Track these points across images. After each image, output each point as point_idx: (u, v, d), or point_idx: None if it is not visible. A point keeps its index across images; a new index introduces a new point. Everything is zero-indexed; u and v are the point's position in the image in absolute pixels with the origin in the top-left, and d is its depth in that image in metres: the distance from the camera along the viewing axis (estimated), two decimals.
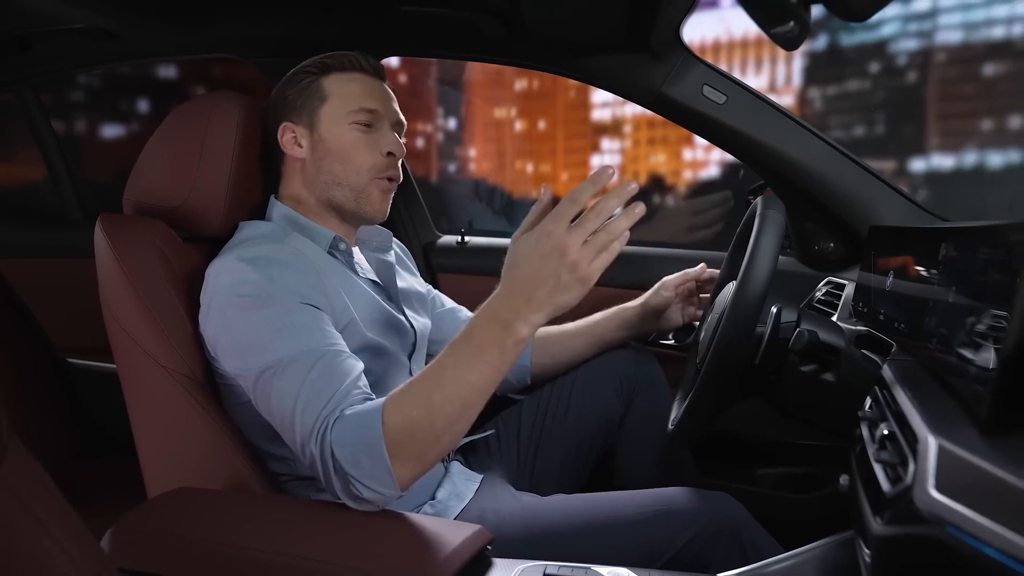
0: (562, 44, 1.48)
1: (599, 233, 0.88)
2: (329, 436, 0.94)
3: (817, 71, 3.87)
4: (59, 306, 2.00)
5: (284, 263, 1.11)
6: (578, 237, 0.88)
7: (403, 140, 1.31)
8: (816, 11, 0.82)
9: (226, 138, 1.23)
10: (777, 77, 3.84)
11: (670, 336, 1.62)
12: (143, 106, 3.68)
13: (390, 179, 1.28)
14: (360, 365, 1.05)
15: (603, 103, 4.54)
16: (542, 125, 4.84)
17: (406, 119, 1.32)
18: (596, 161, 4.63)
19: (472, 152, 4.62)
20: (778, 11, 0.79)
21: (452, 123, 4.51)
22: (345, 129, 1.25)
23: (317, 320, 1.07)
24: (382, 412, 0.93)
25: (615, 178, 0.90)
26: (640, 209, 0.90)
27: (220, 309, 1.09)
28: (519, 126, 4.77)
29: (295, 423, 0.98)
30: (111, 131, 3.55)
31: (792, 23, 0.81)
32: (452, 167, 4.43)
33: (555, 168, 4.81)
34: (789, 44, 0.85)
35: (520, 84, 4.65)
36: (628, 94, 1.53)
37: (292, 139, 1.27)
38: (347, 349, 1.06)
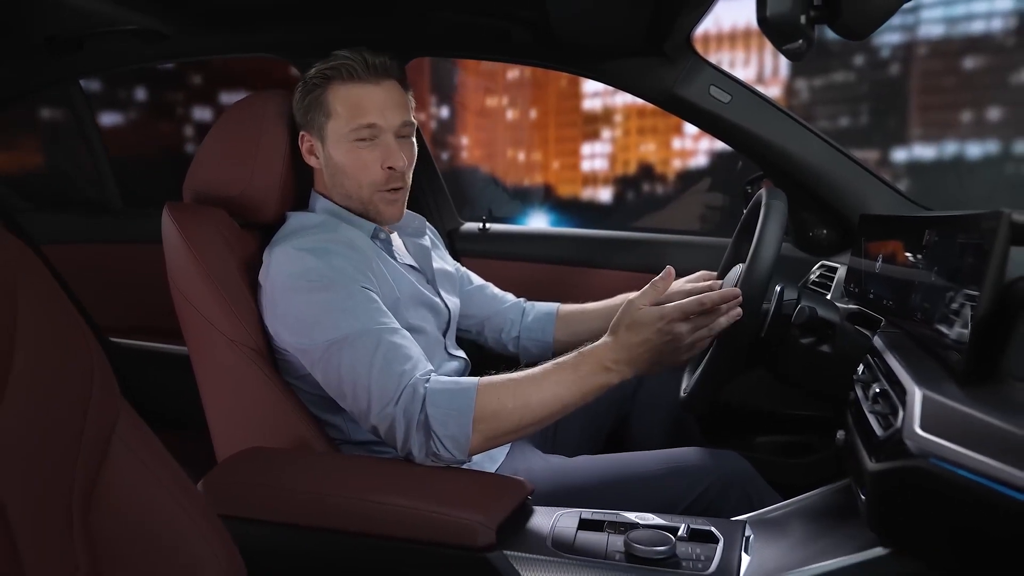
0: (584, 49, 1.61)
1: (703, 330, 1.09)
2: (421, 397, 1.08)
3: (803, 63, 3.95)
4: (101, 288, 2.11)
5: (339, 252, 1.23)
6: (689, 330, 1.08)
7: (413, 139, 1.36)
8: None
9: (280, 132, 1.34)
10: (765, 69, 3.94)
11: None
12: (140, 94, 3.75)
13: (393, 190, 1.34)
14: (415, 341, 1.19)
15: (594, 93, 4.60)
16: (533, 114, 4.92)
17: None
18: (587, 150, 4.73)
19: (464, 140, 4.71)
20: (790, 30, 0.92)
21: (444, 112, 4.59)
22: (348, 147, 1.30)
23: (374, 302, 1.20)
24: (477, 389, 1.09)
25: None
26: (737, 313, 1.10)
27: (285, 292, 1.21)
28: (511, 115, 4.84)
29: (371, 389, 1.11)
30: (108, 119, 3.61)
31: (800, 40, 0.94)
32: (445, 155, 4.51)
33: (546, 157, 4.89)
34: (796, 57, 0.98)
35: (512, 73, 4.73)
36: (643, 94, 1.65)
37: (309, 148, 1.36)
38: (401, 327, 1.19)
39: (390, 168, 1.31)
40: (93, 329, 2.07)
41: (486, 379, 1.11)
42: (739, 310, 1.11)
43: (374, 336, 1.14)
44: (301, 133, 1.36)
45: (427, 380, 1.10)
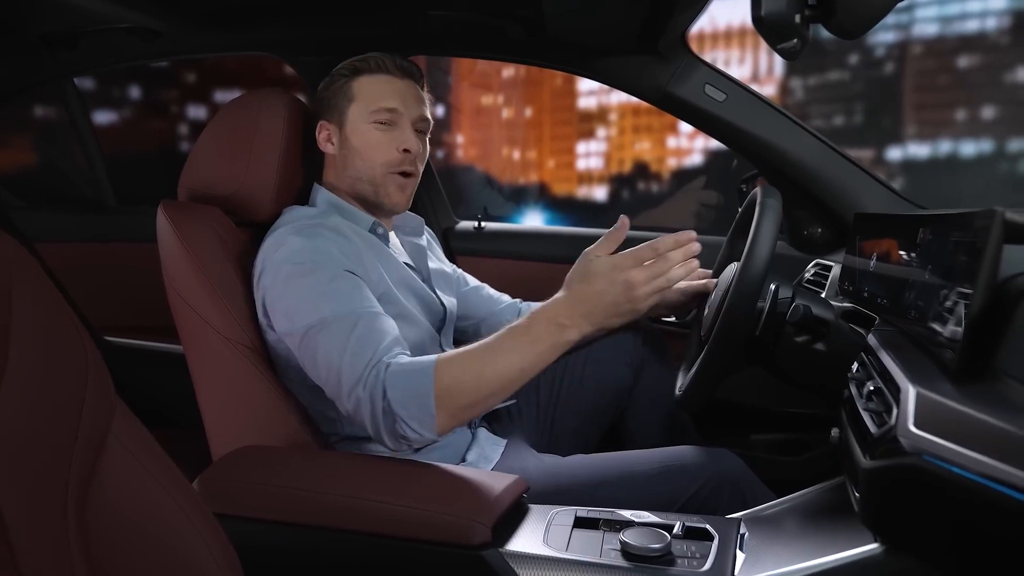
0: (579, 47, 1.61)
1: (659, 278, 1.05)
2: (382, 380, 1.07)
3: (798, 62, 3.96)
4: (95, 287, 2.11)
5: (328, 237, 1.25)
6: (645, 278, 1.05)
7: (428, 136, 1.42)
8: None
9: (275, 131, 1.35)
10: (760, 67, 3.94)
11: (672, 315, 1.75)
12: (135, 92, 3.73)
13: (405, 174, 1.38)
14: (396, 326, 1.19)
15: (589, 91, 4.60)
16: (528, 113, 4.92)
17: None
18: (582, 149, 4.73)
19: (459, 139, 4.70)
20: (785, 30, 0.92)
21: (440, 110, 4.59)
22: (367, 128, 1.36)
23: (358, 287, 1.20)
24: (435, 367, 1.07)
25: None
26: (695, 264, 1.09)
27: (272, 276, 1.22)
28: (506, 114, 4.84)
29: (341, 371, 1.11)
30: (103, 117, 3.59)
31: (795, 40, 0.95)
32: (440, 154, 4.52)
33: (541, 155, 4.89)
34: (790, 56, 0.98)
35: (507, 72, 4.72)
36: (637, 92, 1.66)
37: (326, 136, 1.41)
38: (383, 312, 1.20)
39: (405, 151, 1.35)
40: (88, 328, 2.08)
41: (443, 355, 1.10)
42: (696, 262, 1.09)
43: (352, 319, 1.14)
44: (320, 122, 1.40)
45: (388, 364, 1.09)
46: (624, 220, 1.12)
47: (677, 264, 1.07)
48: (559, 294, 1.10)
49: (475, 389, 1.07)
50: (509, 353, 1.07)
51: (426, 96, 1.42)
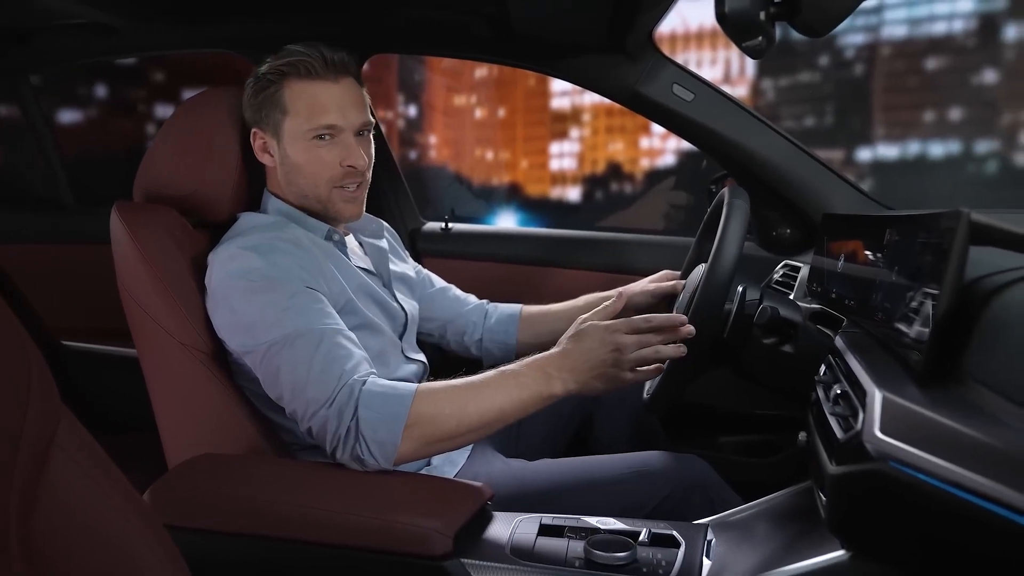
0: (546, 45, 1.59)
1: (647, 348, 1.07)
2: (355, 399, 1.05)
3: (769, 63, 4.00)
4: (54, 290, 2.06)
5: (285, 250, 1.20)
6: (635, 345, 1.06)
7: (371, 136, 1.34)
8: None
9: (234, 131, 1.31)
10: (732, 68, 3.96)
11: None
12: (101, 91, 3.67)
13: (352, 187, 1.31)
14: (358, 342, 1.16)
15: (562, 92, 4.60)
16: (502, 113, 4.91)
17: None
18: (556, 149, 4.73)
19: (432, 139, 4.68)
20: (749, 27, 0.91)
21: (412, 111, 4.56)
22: (306, 145, 1.27)
23: (319, 302, 1.17)
24: (415, 395, 1.06)
25: None
26: (683, 350, 1.08)
27: (226, 293, 1.18)
28: (479, 114, 4.82)
29: (306, 389, 1.08)
30: (69, 116, 3.53)
31: (760, 38, 0.93)
32: (413, 154, 4.49)
33: (515, 156, 4.88)
34: (756, 55, 0.97)
35: (480, 72, 4.71)
36: (606, 92, 1.64)
37: (262, 145, 1.32)
38: (347, 329, 1.17)
39: (350, 167, 1.29)
40: (43, 332, 2.02)
41: (426, 384, 1.09)
42: (684, 347, 1.09)
43: (316, 336, 1.11)
44: (253, 130, 1.32)
45: (364, 382, 1.08)
46: (622, 294, 1.17)
47: (667, 339, 1.08)
48: (552, 349, 1.11)
49: (454, 423, 1.06)
50: (494, 394, 1.07)
51: (364, 93, 1.33)
